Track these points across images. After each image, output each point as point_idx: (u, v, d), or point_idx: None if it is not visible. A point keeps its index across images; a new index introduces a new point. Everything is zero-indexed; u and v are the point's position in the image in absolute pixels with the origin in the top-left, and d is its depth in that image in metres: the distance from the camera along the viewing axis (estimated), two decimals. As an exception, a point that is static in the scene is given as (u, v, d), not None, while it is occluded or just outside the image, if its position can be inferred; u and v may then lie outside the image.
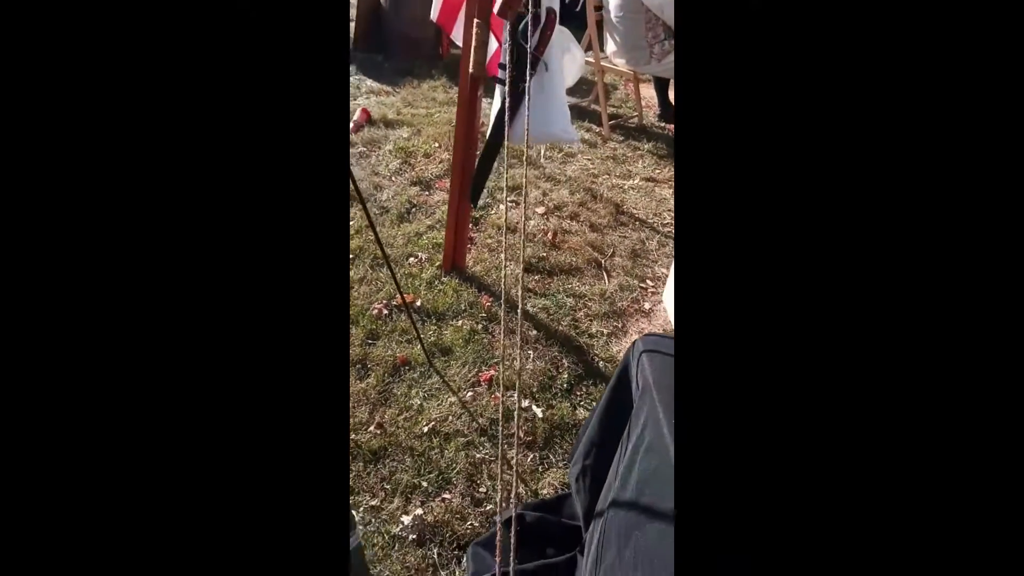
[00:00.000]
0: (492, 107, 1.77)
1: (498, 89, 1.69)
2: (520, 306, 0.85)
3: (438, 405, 1.53)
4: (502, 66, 1.65)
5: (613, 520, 0.87)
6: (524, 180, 1.19)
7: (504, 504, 1.19)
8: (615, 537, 0.84)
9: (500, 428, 1.34)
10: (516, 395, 0.89)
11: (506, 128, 1.55)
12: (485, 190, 2.40)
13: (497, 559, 0.97)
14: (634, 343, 0.97)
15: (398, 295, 1.76)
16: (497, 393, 1.56)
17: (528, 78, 1.48)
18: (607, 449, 1.02)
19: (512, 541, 0.87)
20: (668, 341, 0.89)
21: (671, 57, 3.00)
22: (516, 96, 1.70)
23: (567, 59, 1.81)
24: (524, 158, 0.92)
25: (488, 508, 1.30)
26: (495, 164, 1.85)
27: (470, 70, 1.71)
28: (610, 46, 3.14)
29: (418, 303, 1.84)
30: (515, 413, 0.83)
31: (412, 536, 1.23)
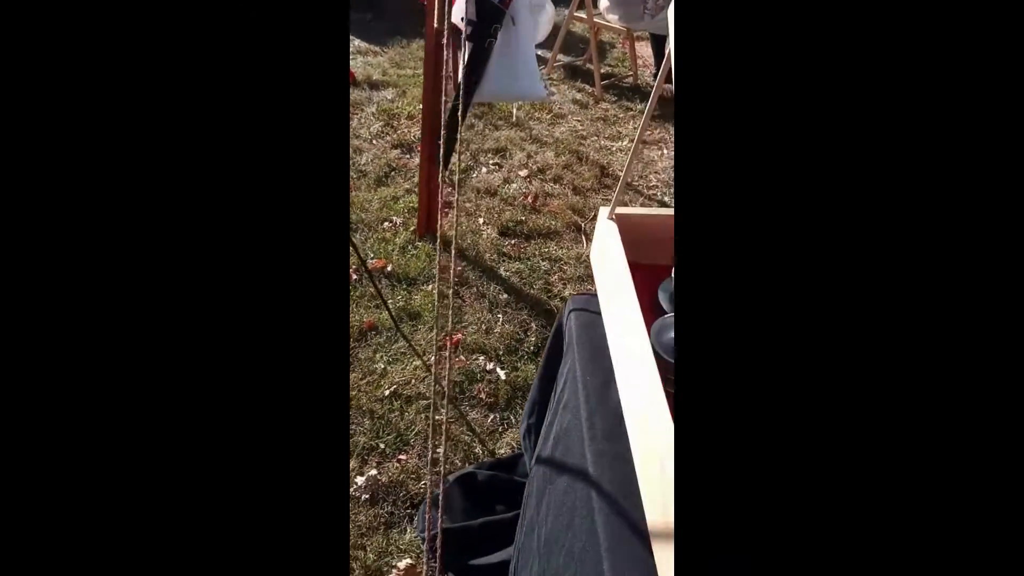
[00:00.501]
0: (460, 64, 1.72)
1: (465, 45, 1.63)
2: (454, 249, 0.84)
3: (402, 369, 1.53)
4: (467, 21, 1.60)
5: (535, 476, 0.87)
6: (459, 134, 1.15)
7: (450, 466, 1.19)
8: (535, 493, 0.84)
9: (433, 386, 1.34)
10: (448, 353, 0.88)
11: (475, 85, 1.50)
12: (467, 152, 2.35)
13: (427, 515, 0.97)
14: (567, 301, 0.95)
15: (367, 260, 1.75)
16: (459, 357, 1.56)
17: (494, 33, 1.43)
18: (544, 407, 1.01)
19: (440, 502, 0.87)
20: (594, 299, 0.87)
21: (666, 12, 2.88)
22: (482, 52, 1.65)
23: (536, 12, 1.74)
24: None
25: (443, 469, 1.31)
26: (472, 124, 1.81)
27: (435, 25, 1.65)
28: (603, 1, 3.03)
29: (388, 268, 1.83)
30: (446, 368, 0.82)
31: (365, 496, 1.25)
